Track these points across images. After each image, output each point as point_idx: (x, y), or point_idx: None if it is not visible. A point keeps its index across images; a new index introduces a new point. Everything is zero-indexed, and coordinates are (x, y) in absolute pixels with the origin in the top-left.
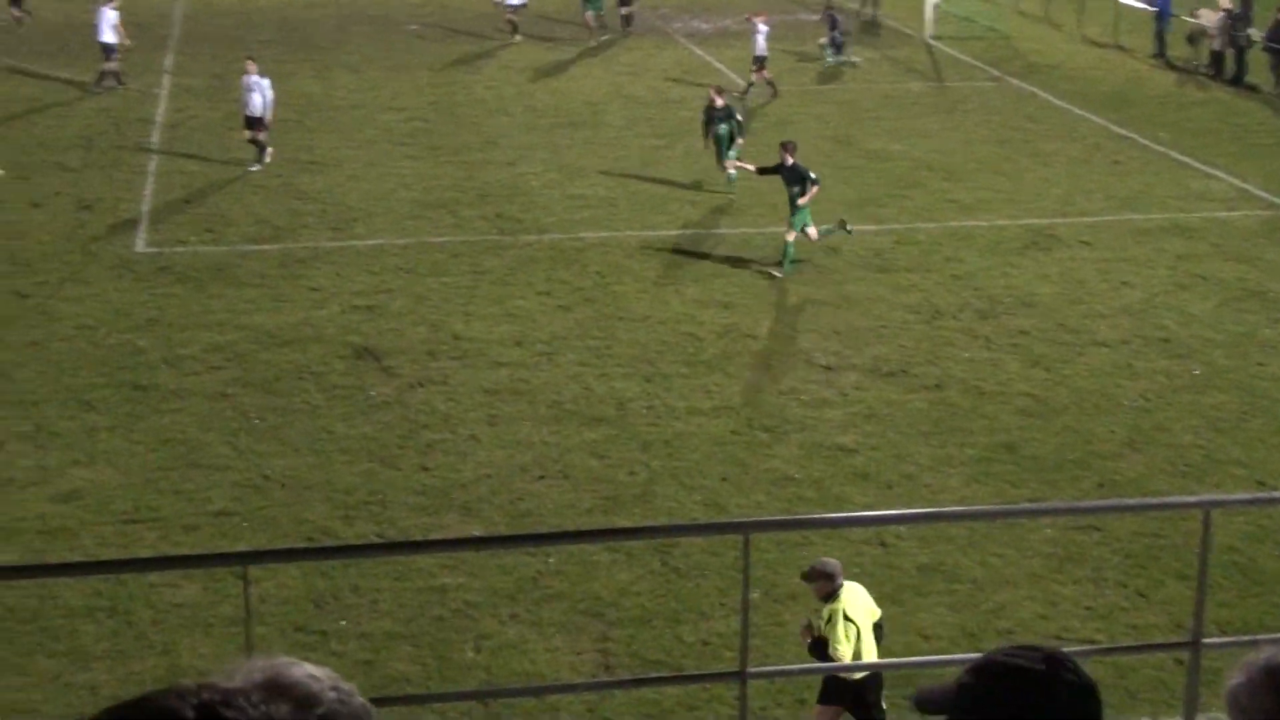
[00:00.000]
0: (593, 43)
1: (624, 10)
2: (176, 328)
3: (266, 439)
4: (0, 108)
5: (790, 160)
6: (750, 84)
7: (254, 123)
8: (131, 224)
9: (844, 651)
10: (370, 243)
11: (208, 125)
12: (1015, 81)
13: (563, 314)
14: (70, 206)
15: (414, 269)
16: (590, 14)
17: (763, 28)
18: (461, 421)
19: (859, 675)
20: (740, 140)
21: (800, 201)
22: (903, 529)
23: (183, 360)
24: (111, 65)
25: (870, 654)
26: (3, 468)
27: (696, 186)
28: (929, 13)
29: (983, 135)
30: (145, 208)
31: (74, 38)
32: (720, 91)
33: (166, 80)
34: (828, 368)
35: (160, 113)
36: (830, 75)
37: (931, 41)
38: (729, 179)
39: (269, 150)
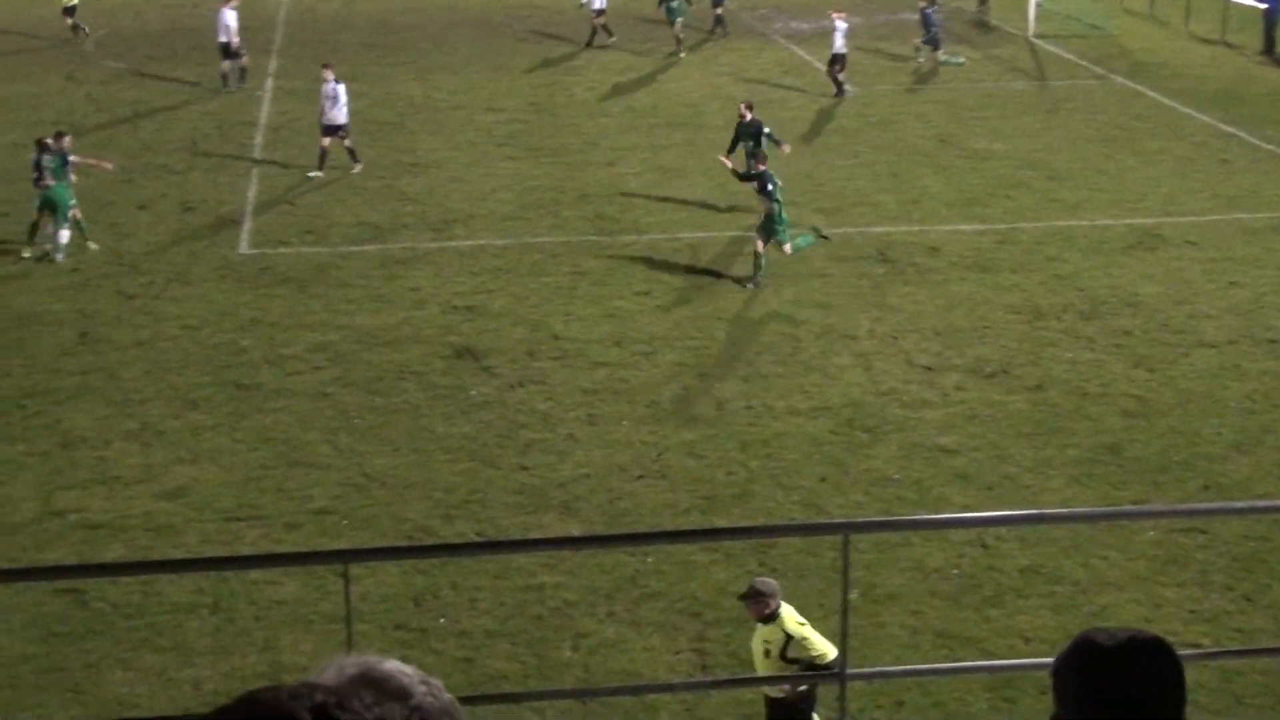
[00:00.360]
0: (681, 53)
1: (716, 10)
2: (279, 328)
3: (367, 438)
4: (107, 111)
5: (760, 168)
6: (841, 86)
7: (332, 130)
8: (235, 225)
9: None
10: (470, 243)
11: (310, 128)
12: (1120, 80)
13: (661, 314)
14: (175, 208)
15: (514, 269)
16: (678, 22)
17: (841, 25)
18: (560, 421)
19: (806, 688)
20: (755, 160)
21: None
22: (1004, 530)
23: (285, 360)
24: (240, 63)
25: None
26: (110, 465)
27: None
28: (1032, 11)
29: (1086, 134)
30: (248, 209)
31: (180, 41)
32: (751, 107)
33: (270, 83)
34: (928, 368)
35: (263, 115)
36: (930, 75)
37: (1035, 40)
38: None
39: (320, 168)
